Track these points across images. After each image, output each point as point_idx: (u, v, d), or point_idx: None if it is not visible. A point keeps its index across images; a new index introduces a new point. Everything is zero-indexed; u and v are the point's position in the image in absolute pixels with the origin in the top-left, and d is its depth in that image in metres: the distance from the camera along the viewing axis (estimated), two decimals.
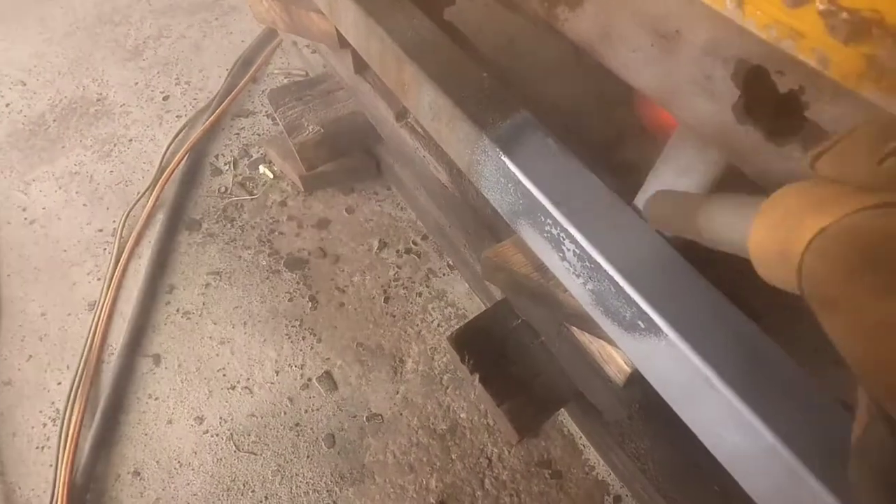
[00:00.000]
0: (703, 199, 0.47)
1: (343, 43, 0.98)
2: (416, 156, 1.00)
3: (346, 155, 1.31)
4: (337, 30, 0.94)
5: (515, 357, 0.87)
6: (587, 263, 0.55)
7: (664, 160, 0.49)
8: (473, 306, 1.26)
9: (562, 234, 0.57)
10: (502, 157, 0.61)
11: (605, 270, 0.52)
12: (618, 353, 0.65)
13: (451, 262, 1.32)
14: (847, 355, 0.28)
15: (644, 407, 0.80)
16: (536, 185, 0.59)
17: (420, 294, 1.28)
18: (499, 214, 0.78)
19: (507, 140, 0.62)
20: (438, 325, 1.24)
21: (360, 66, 1.04)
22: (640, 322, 0.51)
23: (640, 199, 0.55)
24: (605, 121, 0.70)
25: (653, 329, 0.49)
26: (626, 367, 0.64)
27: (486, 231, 0.83)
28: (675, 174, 0.47)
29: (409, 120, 0.99)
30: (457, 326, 1.22)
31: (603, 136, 0.66)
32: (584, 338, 0.68)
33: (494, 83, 0.68)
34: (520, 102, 0.66)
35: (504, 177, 0.62)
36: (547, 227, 0.59)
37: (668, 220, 0.54)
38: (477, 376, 0.85)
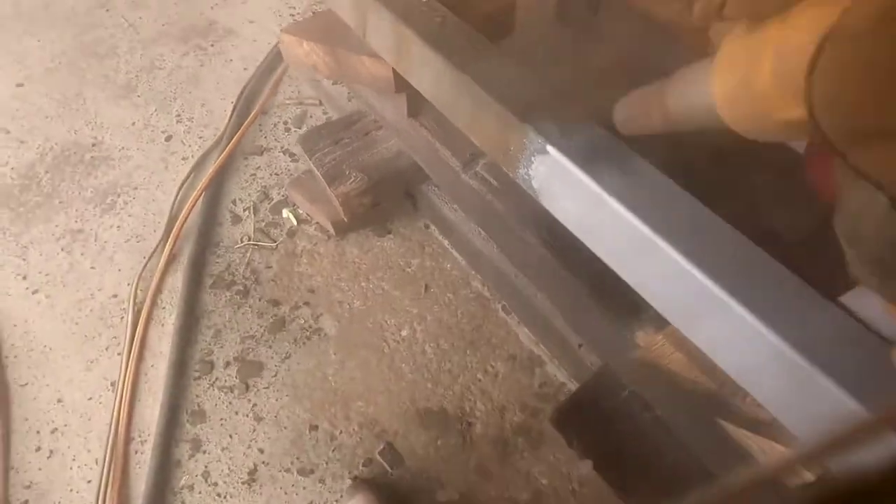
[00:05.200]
0: (662, 82, 0.50)
1: (400, 88, 0.86)
2: (484, 205, 0.89)
3: (391, 199, 1.20)
4: (395, 75, 0.83)
5: (628, 435, 0.78)
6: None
7: None
8: (540, 354, 1.16)
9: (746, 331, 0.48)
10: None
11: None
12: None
13: (506, 306, 1.22)
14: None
15: None
16: (708, 275, 0.49)
17: (476, 344, 1.18)
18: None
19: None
20: (503, 379, 1.14)
21: (416, 110, 0.93)
22: None
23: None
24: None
25: None
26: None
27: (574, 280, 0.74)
28: None
29: (478, 170, 0.89)
30: (522, 380, 1.14)
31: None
32: (740, 433, 0.60)
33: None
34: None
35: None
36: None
37: (634, 119, 0.55)
38: (590, 463, 0.75)
